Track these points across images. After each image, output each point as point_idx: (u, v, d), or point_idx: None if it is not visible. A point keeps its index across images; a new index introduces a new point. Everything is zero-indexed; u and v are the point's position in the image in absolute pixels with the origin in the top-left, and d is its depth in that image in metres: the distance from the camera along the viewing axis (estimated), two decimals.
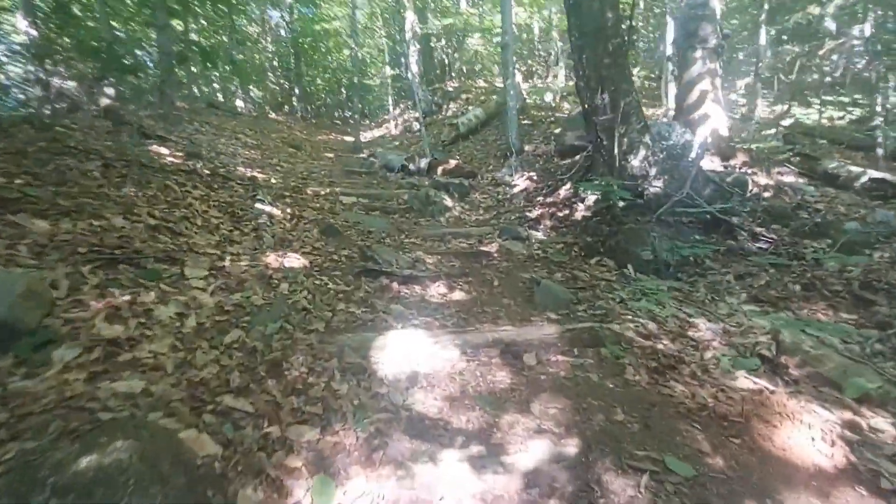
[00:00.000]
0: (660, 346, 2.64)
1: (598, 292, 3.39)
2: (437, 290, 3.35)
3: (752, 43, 6.51)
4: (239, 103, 16.33)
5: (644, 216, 4.14)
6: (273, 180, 5.65)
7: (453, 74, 14.52)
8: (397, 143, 11.68)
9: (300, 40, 18.91)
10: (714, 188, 4.09)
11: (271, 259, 3.28)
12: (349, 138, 13.47)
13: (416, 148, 10.23)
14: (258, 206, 4.20)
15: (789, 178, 4.52)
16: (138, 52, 9.78)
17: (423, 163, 6.86)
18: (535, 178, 5.76)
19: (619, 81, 3.91)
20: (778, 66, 7.07)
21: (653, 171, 4.21)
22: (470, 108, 11.17)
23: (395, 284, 3.28)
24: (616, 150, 4.11)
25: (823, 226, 3.61)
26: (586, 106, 4.12)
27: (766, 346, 2.69)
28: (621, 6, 3.80)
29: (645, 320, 2.90)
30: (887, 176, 4.85)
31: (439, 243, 4.45)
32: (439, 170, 6.52)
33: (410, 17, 12.59)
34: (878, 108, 6.77)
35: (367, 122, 20.11)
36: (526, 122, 8.71)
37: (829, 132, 7.27)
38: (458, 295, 3.31)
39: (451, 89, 13.22)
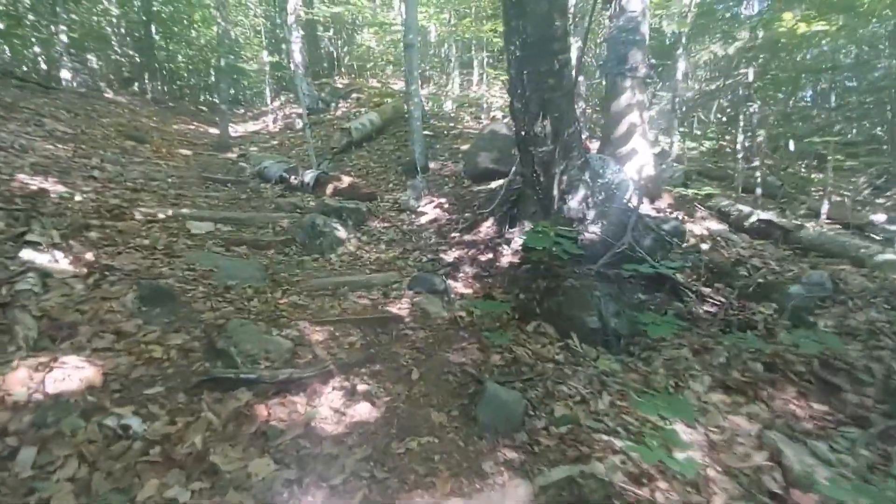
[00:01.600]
0: (660, 499, 1.84)
1: (550, 384, 2.53)
2: (330, 405, 2.15)
3: (669, 77, 6.48)
4: (65, 74, 12.60)
5: (580, 267, 3.44)
6: (79, 197, 3.79)
7: (343, 70, 12.97)
8: (276, 143, 9.84)
9: (153, 5, 15.48)
10: (654, 238, 3.55)
11: (19, 377, 1.77)
12: (215, 130, 11.13)
13: (299, 151, 8.61)
14: (25, 254, 2.51)
15: (712, 224, 4.29)
16: None
17: (310, 177, 5.45)
18: (445, 205, 4.80)
19: (564, 108, 3.12)
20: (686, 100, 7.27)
21: (590, 215, 3.52)
22: (363, 110, 9.84)
23: (260, 405, 2.01)
24: (555, 189, 3.31)
25: (766, 287, 3.27)
26: (522, 133, 3.25)
27: (768, 472, 2.07)
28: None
29: (625, 441, 2.10)
30: (773, 217, 4.88)
31: (331, 300, 3.21)
32: (329, 188, 5.18)
33: None
34: (738, 145, 7.12)
35: (243, 111, 17.36)
36: (426, 132, 7.73)
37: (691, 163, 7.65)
38: (362, 409, 2.16)
39: (340, 86, 11.69)
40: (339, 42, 13.24)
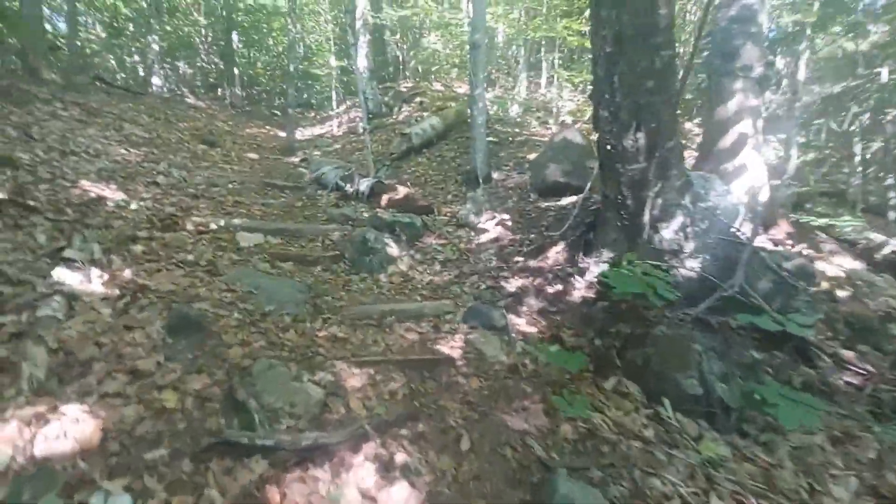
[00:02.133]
0: None
1: (638, 475, 1.95)
2: (359, 484, 1.74)
3: (780, 77, 5.52)
4: (156, 80, 13.56)
5: (673, 310, 2.79)
6: (134, 205, 3.73)
7: (408, 74, 12.80)
8: (338, 147, 9.81)
9: (234, 14, 16.33)
10: (773, 280, 2.81)
11: (8, 433, 1.52)
12: (284, 134, 11.38)
13: (359, 156, 8.46)
14: (58, 273, 2.35)
15: (846, 261, 3.42)
16: None
17: (365, 185, 5.17)
18: (509, 223, 4.28)
19: (664, 117, 2.50)
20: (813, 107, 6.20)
21: (689, 246, 2.86)
22: (425, 114, 9.54)
23: (273, 485, 1.64)
24: (646, 215, 2.70)
25: None
26: (609, 146, 2.67)
27: None
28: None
29: None
30: None
31: (375, 333, 2.83)
32: (384, 198, 4.85)
33: (362, 2, 10.73)
34: (858, 157, 5.93)
35: (314, 115, 17.89)
36: (490, 138, 7.24)
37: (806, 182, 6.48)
38: (398, 494, 1.72)
39: (404, 90, 11.50)
40: (405, 46, 13.10)
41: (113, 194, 3.85)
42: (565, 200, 4.40)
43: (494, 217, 4.45)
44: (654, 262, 2.75)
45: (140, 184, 4.40)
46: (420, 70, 12.73)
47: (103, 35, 16.37)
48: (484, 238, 4.22)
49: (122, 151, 5.35)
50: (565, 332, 2.92)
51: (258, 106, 17.06)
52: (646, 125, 2.49)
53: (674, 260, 2.89)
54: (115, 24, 16.03)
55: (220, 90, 17.16)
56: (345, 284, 3.53)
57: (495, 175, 5.58)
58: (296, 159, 8.76)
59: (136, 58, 16.63)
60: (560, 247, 3.50)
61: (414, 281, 3.73)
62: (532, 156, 5.95)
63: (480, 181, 5.20)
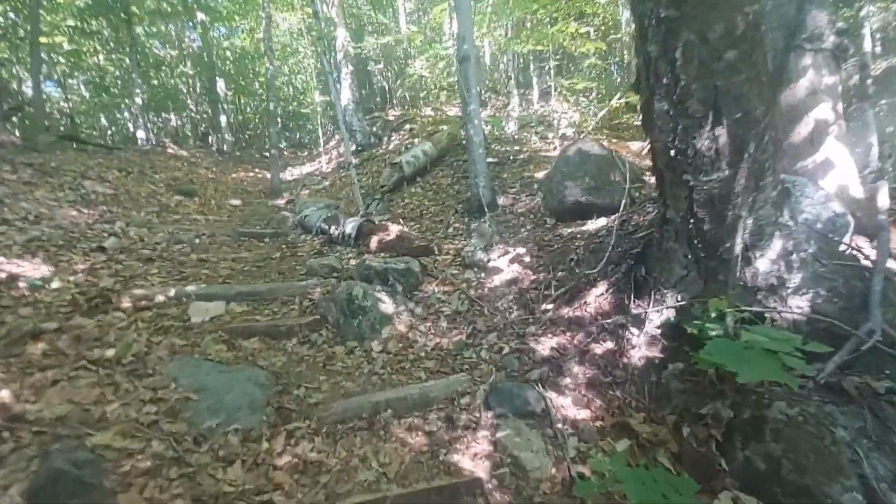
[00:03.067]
0: None
1: None
2: None
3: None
4: (141, 134, 13.11)
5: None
6: (58, 282, 2.93)
7: (395, 102, 12.26)
8: (327, 183, 9.12)
9: (218, 62, 16.08)
10: None
11: None
12: (279, 174, 10.75)
13: (348, 192, 7.74)
14: None
15: None
16: None
17: (351, 227, 4.37)
18: (526, 258, 3.45)
19: (753, 102, 1.70)
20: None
21: (793, 280, 2.01)
22: (416, 141, 8.87)
23: None
24: (737, 240, 1.88)
25: None
26: (671, 149, 1.86)
27: None
28: None
29: None
30: None
31: (364, 444, 1.96)
32: (374, 241, 4.04)
33: (342, 34, 10.26)
34: None
35: (306, 153, 17.42)
36: (490, 159, 6.51)
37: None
38: None
39: (392, 118, 10.90)
40: (390, 74, 12.61)
41: (33, 270, 3.06)
42: (592, 224, 3.57)
43: (508, 252, 3.62)
44: (748, 309, 1.90)
45: (79, 252, 3.62)
46: (408, 97, 12.19)
47: (86, 94, 16.14)
48: (498, 280, 3.38)
49: (72, 213, 4.60)
50: (633, 417, 2.04)
51: (248, 150, 16.60)
52: (728, 116, 1.69)
53: (772, 299, 2.04)
54: (102, 83, 15.77)
55: (210, 138, 16.80)
56: (326, 362, 2.68)
57: (501, 200, 4.78)
58: (281, 201, 8.05)
59: (127, 114, 16.35)
60: (600, 288, 2.65)
61: (415, 346, 2.87)
62: (540, 174, 5.17)
63: (486, 209, 4.40)
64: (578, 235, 3.44)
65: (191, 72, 17.17)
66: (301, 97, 20.55)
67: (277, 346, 2.78)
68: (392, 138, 10.04)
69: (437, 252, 3.93)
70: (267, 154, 16.46)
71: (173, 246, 4.36)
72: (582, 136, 7.11)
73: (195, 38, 14.91)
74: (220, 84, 17.66)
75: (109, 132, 16.69)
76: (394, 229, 3.97)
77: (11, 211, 4.14)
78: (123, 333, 2.51)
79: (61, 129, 10.26)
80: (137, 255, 3.87)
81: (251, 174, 12.29)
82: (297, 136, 21.46)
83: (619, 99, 7.18)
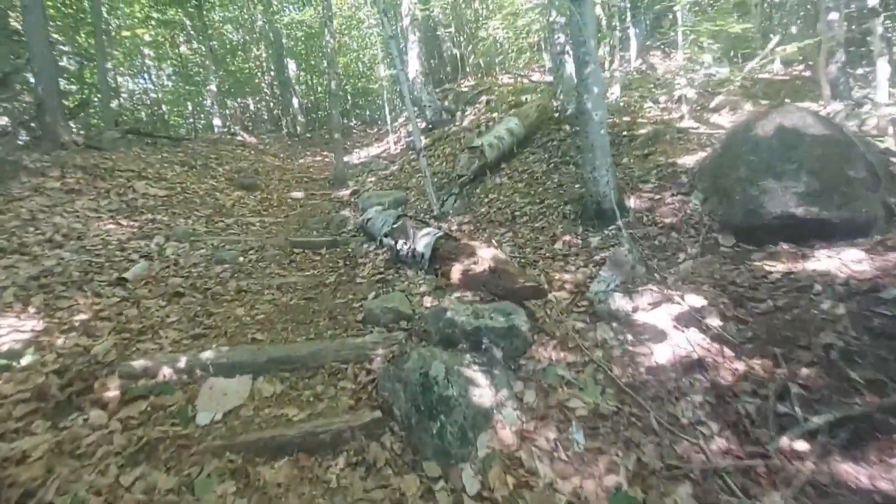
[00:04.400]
0: None
1: None
2: None
3: None
4: (217, 122, 12.99)
5: None
6: (30, 357, 2.10)
7: (468, 70, 10.75)
8: (395, 168, 8.04)
9: (285, 42, 15.52)
10: None
11: None
12: (345, 158, 9.93)
13: (419, 180, 6.60)
14: None
15: None
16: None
17: (423, 244, 3.20)
18: (712, 318, 2.04)
19: None
20: None
21: None
22: (495, 116, 7.44)
23: None
24: None
25: None
26: None
27: None
28: None
29: None
30: None
31: None
32: (456, 270, 2.83)
33: None
34: None
35: (375, 130, 16.62)
36: None
37: None
38: None
39: (465, 90, 9.48)
40: (463, 39, 11.05)
41: (14, 331, 2.27)
42: (829, 258, 2.05)
43: (668, 300, 2.23)
44: None
45: (91, 291, 2.83)
46: (482, 64, 10.61)
47: (169, 85, 16.46)
48: (661, 353, 2.02)
49: (109, 227, 3.93)
50: None
51: (318, 132, 16.10)
52: None
53: None
54: (186, 72, 15.91)
55: (281, 122, 16.58)
56: None
57: (632, 202, 3.31)
58: (345, 192, 7.12)
59: (207, 102, 16.55)
60: None
61: (537, 488, 1.66)
62: (686, 159, 3.58)
63: (615, 214, 2.98)
64: (805, 278, 1.94)
65: (264, 55, 16.88)
66: (370, 72, 19.65)
67: (316, 476, 1.73)
68: (466, 113, 8.66)
69: (547, 288, 2.62)
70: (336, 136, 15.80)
71: (213, 268, 3.50)
72: (723, 96, 5.26)
73: (262, 20, 14.28)
74: (291, 65, 17.23)
75: (191, 121, 17.01)
76: (484, 255, 2.72)
77: (37, 230, 3.50)
78: (80, 470, 1.58)
79: (128, 122, 10.19)
80: (164, 289, 3.03)
81: (318, 158, 11.64)
82: (367, 112, 20.76)
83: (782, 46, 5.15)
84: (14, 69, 6.59)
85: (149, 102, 17.03)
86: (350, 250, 4.15)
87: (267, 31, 15.76)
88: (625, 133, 4.85)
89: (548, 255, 3.15)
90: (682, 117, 5.19)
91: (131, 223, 4.11)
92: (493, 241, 3.30)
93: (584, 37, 3.19)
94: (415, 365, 2.07)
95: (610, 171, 3.24)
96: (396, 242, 3.48)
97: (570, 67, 6.16)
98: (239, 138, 10.44)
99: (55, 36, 7.73)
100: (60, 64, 8.59)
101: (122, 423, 1.81)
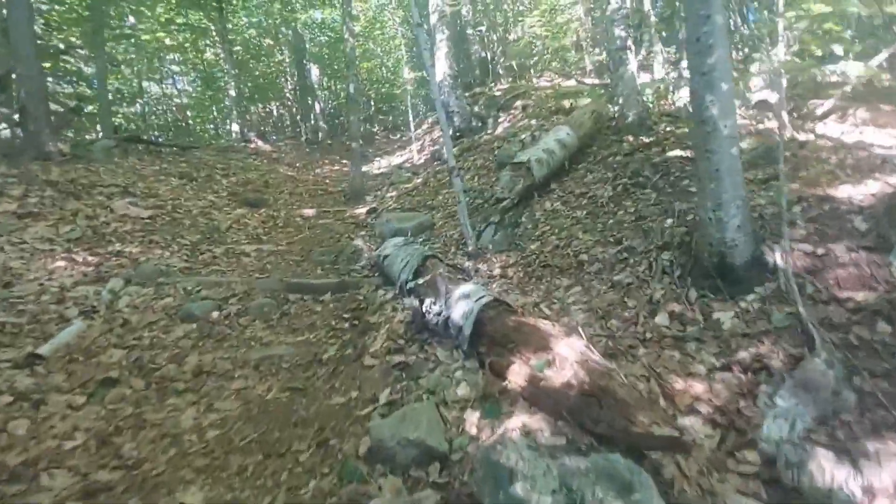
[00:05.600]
0: None
1: None
2: None
3: None
4: (235, 128, 12.33)
5: None
6: None
7: (501, 71, 9.71)
8: (419, 181, 7.04)
9: (307, 46, 14.85)
10: None
11: None
12: (366, 167, 9.03)
13: (447, 197, 5.58)
14: None
15: None
16: None
17: (462, 313, 2.15)
18: None
19: None
20: None
21: None
22: (533, 123, 6.38)
23: None
24: None
25: None
26: None
27: None
28: None
29: None
30: None
31: None
32: (516, 372, 1.77)
33: None
34: None
35: (398, 136, 15.75)
36: (674, 152, 3.84)
37: None
38: None
39: (498, 94, 8.44)
40: (496, 38, 10.02)
41: None
42: None
43: None
44: None
45: None
46: (515, 66, 9.55)
47: (189, 90, 15.97)
48: None
49: (58, 264, 3.04)
50: None
51: (338, 138, 15.32)
52: None
53: None
54: (209, 76, 15.36)
55: (299, 128, 15.90)
56: None
57: (777, 257, 2.17)
58: (362, 210, 6.16)
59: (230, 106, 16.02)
60: None
61: None
62: (851, 192, 2.42)
63: (756, 274, 1.87)
64: None
65: (287, 59, 16.30)
66: (393, 77, 18.90)
67: None
68: (499, 119, 7.62)
69: (678, 437, 1.52)
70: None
71: (174, 330, 2.55)
72: (835, 100, 4.08)
73: (279, 20, 13.57)
74: (314, 71, 16.56)
75: (211, 126, 16.53)
76: (565, 352, 1.65)
77: (31, 245, 2.63)
78: None
79: (151, 128, 9.54)
80: (91, 372, 2.08)
81: (336, 167, 10.76)
82: (390, 118, 20.01)
83: None
84: (8, 72, 5.88)
85: (174, 108, 16.64)
86: (361, 297, 3.15)
87: (289, 36, 15.12)
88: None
89: (648, 335, 2.07)
90: (781, 127, 4.02)
91: (89, 259, 3.21)
92: (575, 322, 2.20)
93: (706, 9, 2.10)
94: None
95: (742, 209, 2.14)
96: (422, 302, 2.45)
97: (631, 66, 5.05)
98: (253, 145, 9.65)
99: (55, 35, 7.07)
100: (67, 65, 7.97)
101: None
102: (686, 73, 5.57)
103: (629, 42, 5.05)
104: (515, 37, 10.05)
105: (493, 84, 9.38)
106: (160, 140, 8.25)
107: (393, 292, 3.09)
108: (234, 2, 13.33)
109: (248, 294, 3.11)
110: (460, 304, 2.22)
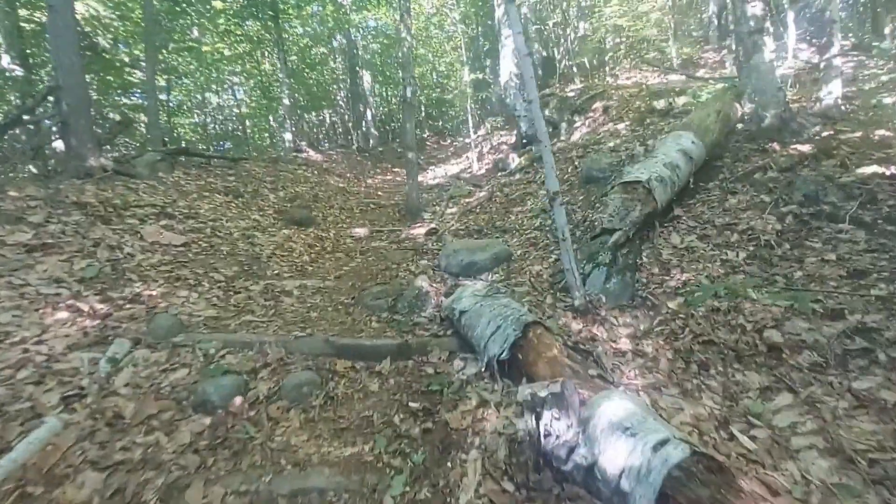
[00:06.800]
0: None
1: None
2: None
3: None
4: (287, 137, 12.05)
5: None
6: None
7: (574, 70, 8.60)
8: (483, 195, 6.12)
9: (359, 53, 14.43)
10: None
11: None
12: (419, 177, 8.26)
13: (521, 217, 4.62)
14: None
15: None
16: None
17: (626, 467, 1.23)
18: None
19: None
20: None
21: None
22: (619, 127, 5.30)
23: None
24: None
25: None
26: None
27: None
28: None
29: None
30: None
31: None
32: None
33: None
34: None
35: (450, 142, 15.02)
36: (806, 171, 2.68)
37: None
38: None
39: (571, 94, 7.37)
40: (564, 33, 8.93)
41: None
42: None
43: None
44: None
45: None
46: (587, 64, 8.42)
47: (247, 101, 16.06)
48: None
49: (60, 316, 2.41)
50: None
51: (390, 145, 14.79)
52: None
53: None
54: (266, 85, 15.35)
55: (351, 136, 15.54)
56: None
57: None
58: (420, 230, 5.34)
59: (284, 116, 15.99)
60: None
61: None
62: None
63: None
64: None
65: (340, 67, 16.06)
66: (445, 81, 18.24)
67: None
68: (575, 124, 6.55)
69: None
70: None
71: (177, 434, 1.79)
72: None
73: (333, 26, 13.19)
74: (366, 77, 16.19)
75: (266, 136, 16.55)
76: None
77: (33, 286, 2.03)
78: None
79: (211, 138, 9.34)
80: None
81: (389, 177, 10.10)
82: (440, 123, 19.40)
83: None
84: (59, 84, 5.61)
85: (233, 117, 16.88)
86: (432, 372, 2.27)
87: (342, 43, 14.79)
88: None
89: None
90: None
91: (97, 307, 2.56)
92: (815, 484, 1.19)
93: None
94: None
95: None
96: (539, 421, 1.51)
97: (768, 54, 3.86)
98: (304, 155, 9.16)
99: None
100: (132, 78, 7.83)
101: None
102: (836, 62, 4.27)
103: (767, 23, 3.87)
104: (583, 32, 8.92)
105: (561, 84, 8.30)
106: (211, 152, 7.89)
107: (476, 367, 2.20)
108: (290, 11, 13.14)
109: (283, 362, 2.32)
110: (616, 444, 1.27)
